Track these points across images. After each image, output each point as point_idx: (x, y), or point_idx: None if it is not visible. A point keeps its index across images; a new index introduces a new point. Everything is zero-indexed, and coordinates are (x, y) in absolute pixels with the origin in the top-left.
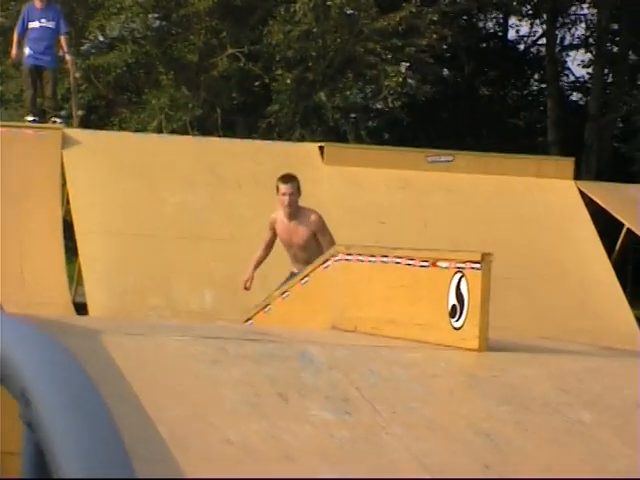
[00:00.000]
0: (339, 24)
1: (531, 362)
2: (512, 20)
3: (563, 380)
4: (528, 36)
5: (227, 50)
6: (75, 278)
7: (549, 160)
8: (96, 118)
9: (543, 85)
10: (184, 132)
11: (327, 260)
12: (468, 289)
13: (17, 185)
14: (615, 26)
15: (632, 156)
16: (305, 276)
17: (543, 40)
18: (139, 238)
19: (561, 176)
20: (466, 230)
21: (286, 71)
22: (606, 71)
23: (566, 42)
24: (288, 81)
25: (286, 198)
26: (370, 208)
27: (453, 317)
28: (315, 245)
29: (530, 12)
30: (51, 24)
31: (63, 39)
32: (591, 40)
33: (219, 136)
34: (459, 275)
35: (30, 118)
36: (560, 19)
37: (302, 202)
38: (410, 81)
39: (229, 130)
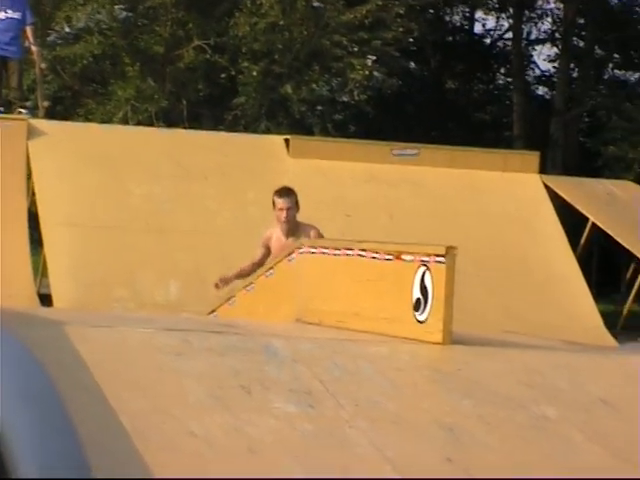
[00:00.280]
0: (305, 17)
1: (495, 356)
2: (479, 14)
3: (527, 375)
4: (494, 30)
5: (193, 42)
6: (40, 270)
7: (514, 154)
8: (62, 109)
9: (509, 79)
10: (150, 123)
11: (292, 253)
12: (432, 282)
13: None
14: (581, 20)
15: (597, 150)
16: (270, 268)
17: (509, 34)
18: (104, 230)
19: (526, 170)
20: (431, 224)
21: (252, 63)
22: (572, 65)
23: (532, 36)
24: (254, 73)
25: (283, 213)
26: (336, 201)
27: (417, 310)
28: None
29: (496, 6)
30: (17, 15)
31: (29, 30)
32: (557, 34)
33: (185, 128)
34: (423, 268)
35: None
36: (526, 13)
37: (268, 193)
38: (376, 74)
39: (195, 122)
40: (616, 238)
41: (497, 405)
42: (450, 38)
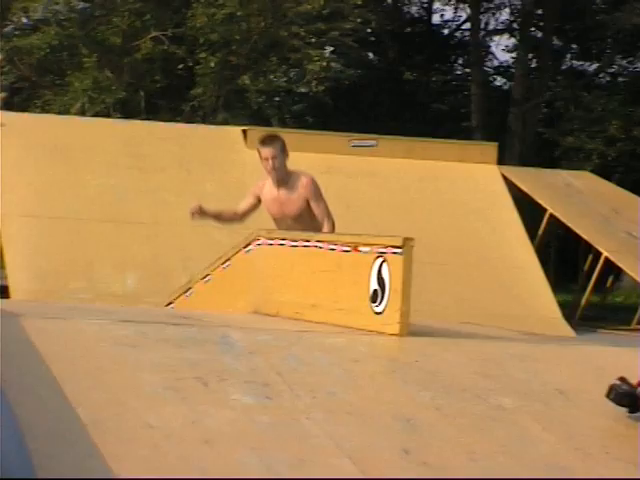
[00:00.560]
0: (263, 7)
1: (452, 347)
2: (436, 5)
3: (484, 365)
4: (452, 21)
5: (151, 33)
6: None
7: (473, 145)
8: (19, 100)
9: (467, 70)
10: (107, 115)
11: (249, 244)
12: (389, 274)
13: None
14: (539, 11)
15: (555, 141)
16: (227, 260)
17: (467, 25)
18: (61, 221)
19: (485, 161)
20: (389, 214)
21: (210, 54)
22: (530, 56)
23: (490, 27)
24: (212, 64)
25: (269, 163)
26: None
27: (374, 302)
28: (308, 215)
29: None
30: None
31: None
32: (515, 25)
33: (142, 119)
34: (380, 260)
35: None
36: (484, 4)
37: (226, 185)
38: (334, 65)
39: (152, 113)
40: (574, 229)
41: (454, 396)
42: (408, 29)
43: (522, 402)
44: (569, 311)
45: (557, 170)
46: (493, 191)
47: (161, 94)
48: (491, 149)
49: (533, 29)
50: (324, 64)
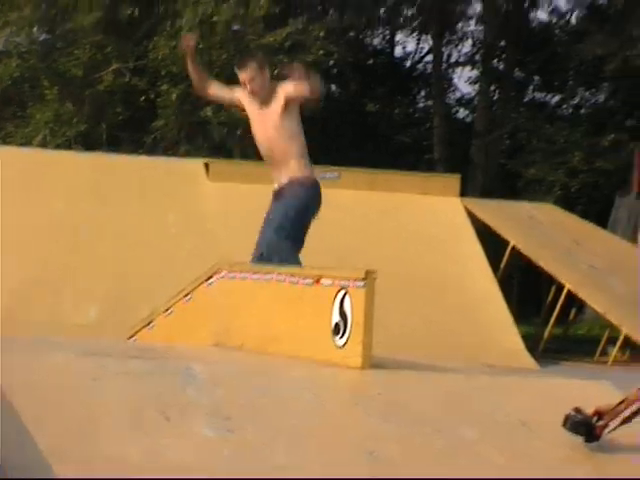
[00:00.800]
0: (225, 40)
1: (415, 379)
2: (399, 36)
3: (447, 397)
4: (415, 53)
5: (112, 65)
6: None
7: (435, 177)
8: None
9: (430, 102)
10: (68, 147)
11: (211, 277)
12: (352, 307)
13: None
14: (501, 43)
15: (518, 173)
16: (189, 293)
17: (430, 57)
18: (23, 252)
19: (447, 193)
20: (352, 246)
21: (171, 86)
22: (492, 88)
23: (453, 59)
24: (173, 97)
25: (247, 87)
26: (256, 225)
27: (337, 335)
28: (287, 133)
29: (417, 29)
30: None
31: None
32: (477, 57)
33: (104, 151)
34: (343, 292)
35: None
36: (447, 35)
37: (187, 217)
38: None
39: (114, 145)
40: (537, 262)
41: (417, 428)
42: (371, 61)
43: (485, 434)
44: (532, 343)
45: (520, 202)
46: (455, 223)
47: (123, 126)
48: (453, 181)
49: (495, 61)
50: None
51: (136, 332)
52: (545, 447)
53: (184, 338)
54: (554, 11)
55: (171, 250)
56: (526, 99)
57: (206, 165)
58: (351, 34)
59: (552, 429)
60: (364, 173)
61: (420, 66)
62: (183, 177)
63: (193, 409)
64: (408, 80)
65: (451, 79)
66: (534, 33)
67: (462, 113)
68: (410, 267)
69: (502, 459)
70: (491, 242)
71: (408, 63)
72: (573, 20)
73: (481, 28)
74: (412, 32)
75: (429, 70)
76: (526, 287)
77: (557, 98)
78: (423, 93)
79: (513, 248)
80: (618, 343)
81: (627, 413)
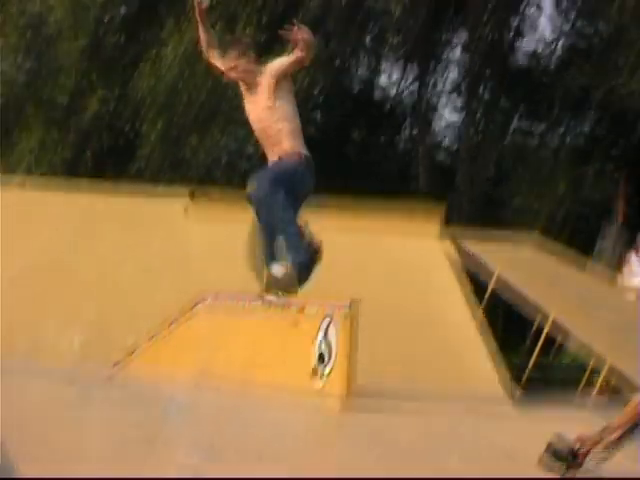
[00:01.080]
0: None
1: (398, 409)
2: (385, 65)
3: (430, 427)
4: (400, 81)
5: (97, 92)
6: None
7: (420, 205)
8: None
9: (415, 130)
10: (53, 174)
11: (196, 305)
12: (336, 336)
13: None
14: (487, 71)
15: (503, 201)
16: (174, 321)
17: (415, 85)
18: (6, 281)
19: (431, 221)
20: (335, 275)
21: (156, 114)
22: (478, 116)
23: (438, 87)
24: (158, 125)
25: (231, 74)
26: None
27: (321, 363)
28: (280, 116)
29: (402, 57)
30: None
31: None
32: (463, 85)
33: (88, 179)
34: (327, 320)
35: None
36: (432, 64)
37: (170, 246)
38: None
39: (98, 173)
40: (521, 292)
41: (400, 457)
42: (356, 89)
43: (469, 464)
44: (517, 372)
45: (504, 231)
46: (438, 252)
47: (107, 154)
48: (438, 209)
49: (481, 89)
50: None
51: (121, 359)
52: (527, 476)
53: (168, 365)
54: (539, 40)
55: (153, 279)
56: (512, 127)
57: (191, 193)
58: (336, 62)
59: (533, 459)
60: (347, 201)
61: (405, 93)
62: (167, 207)
63: (177, 437)
64: (393, 107)
65: (436, 107)
66: (519, 62)
67: (447, 141)
68: (391, 295)
69: None
70: (476, 270)
71: (393, 91)
72: (559, 49)
73: (467, 56)
74: (397, 60)
75: (414, 98)
76: (511, 316)
77: (543, 126)
78: (408, 121)
79: (498, 276)
80: (603, 372)
81: (610, 440)
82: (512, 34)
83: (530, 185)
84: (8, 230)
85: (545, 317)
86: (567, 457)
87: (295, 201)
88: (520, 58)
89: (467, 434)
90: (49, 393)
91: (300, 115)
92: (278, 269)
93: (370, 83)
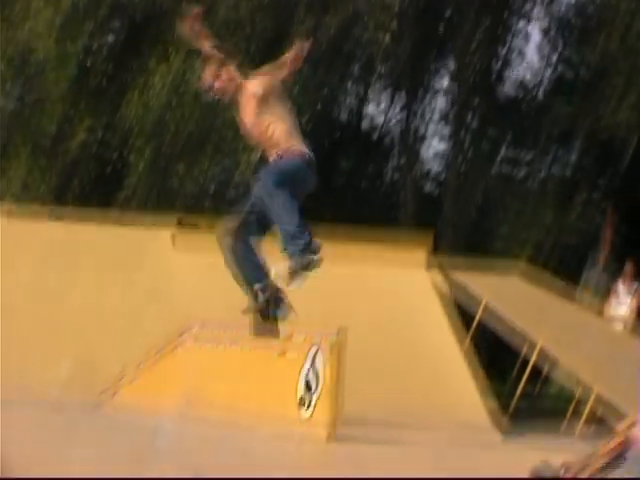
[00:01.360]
0: (199, 94)
1: (385, 439)
2: (372, 94)
3: (417, 457)
4: (388, 109)
5: (85, 121)
6: None
7: (407, 234)
8: None
9: (402, 159)
10: (41, 202)
11: (182, 334)
12: (323, 364)
13: None
14: (475, 100)
15: (490, 230)
16: (160, 350)
17: (403, 114)
18: None
19: (419, 250)
20: (320, 303)
21: (144, 143)
22: (466, 145)
23: (426, 116)
24: (146, 154)
25: (216, 85)
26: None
27: (309, 391)
28: (272, 119)
29: (390, 85)
30: None
31: None
32: (451, 114)
33: (75, 207)
34: (315, 348)
35: None
36: (421, 92)
37: (156, 278)
38: None
39: (86, 201)
40: (508, 321)
41: None
42: (343, 117)
43: None
44: (504, 401)
45: (492, 260)
46: (426, 280)
47: (95, 183)
48: (426, 238)
49: (469, 118)
50: (258, 154)
51: (108, 388)
52: None
53: (155, 394)
54: (527, 70)
55: (139, 311)
56: (499, 156)
57: (178, 221)
58: (324, 90)
59: None
60: (333, 228)
61: (393, 122)
62: (153, 239)
63: (162, 464)
64: (381, 137)
65: (424, 136)
66: (507, 91)
67: (435, 170)
68: (376, 325)
69: None
70: (464, 299)
71: (381, 120)
72: (546, 79)
73: (455, 85)
74: (385, 89)
75: (402, 126)
76: (499, 344)
77: (530, 156)
78: (396, 149)
79: (485, 305)
80: (590, 402)
81: (596, 467)
82: (500, 63)
83: (517, 214)
84: None
85: (532, 346)
86: None
87: (297, 199)
88: (508, 87)
89: (454, 463)
90: (36, 422)
91: None
92: (283, 266)
93: (358, 112)
